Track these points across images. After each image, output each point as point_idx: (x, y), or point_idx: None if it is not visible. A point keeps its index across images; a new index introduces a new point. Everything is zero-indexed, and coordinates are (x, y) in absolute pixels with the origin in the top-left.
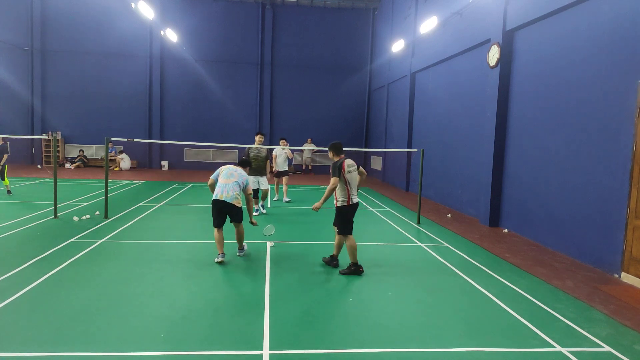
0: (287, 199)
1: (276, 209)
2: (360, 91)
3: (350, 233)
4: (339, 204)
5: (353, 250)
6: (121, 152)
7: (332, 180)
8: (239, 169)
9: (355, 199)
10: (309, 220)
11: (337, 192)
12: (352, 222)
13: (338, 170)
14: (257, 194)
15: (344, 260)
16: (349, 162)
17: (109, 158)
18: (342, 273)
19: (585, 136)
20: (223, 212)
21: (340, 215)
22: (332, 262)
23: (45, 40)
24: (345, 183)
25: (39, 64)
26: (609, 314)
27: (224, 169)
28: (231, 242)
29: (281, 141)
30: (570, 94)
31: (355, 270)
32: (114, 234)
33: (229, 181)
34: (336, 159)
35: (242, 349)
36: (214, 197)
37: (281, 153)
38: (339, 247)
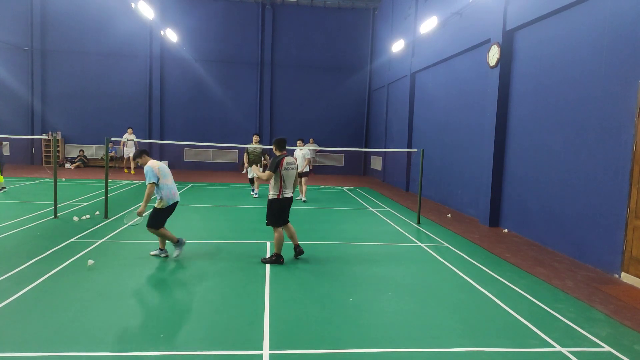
0: (304, 199)
1: None
2: (360, 91)
3: (280, 225)
4: (270, 196)
5: (279, 242)
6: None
7: (267, 173)
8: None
9: (288, 194)
10: (310, 220)
11: (271, 185)
12: (284, 215)
13: (275, 166)
14: (252, 181)
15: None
16: (288, 160)
17: (113, 156)
18: (263, 261)
19: (586, 136)
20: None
21: (270, 207)
22: (277, 260)
23: (45, 40)
24: (281, 179)
25: (39, 64)
26: (609, 314)
27: (161, 168)
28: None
29: (298, 142)
30: (570, 94)
31: (275, 260)
32: (114, 234)
33: (171, 180)
34: (278, 154)
35: (242, 349)
36: (173, 200)
37: (299, 154)
38: (281, 242)
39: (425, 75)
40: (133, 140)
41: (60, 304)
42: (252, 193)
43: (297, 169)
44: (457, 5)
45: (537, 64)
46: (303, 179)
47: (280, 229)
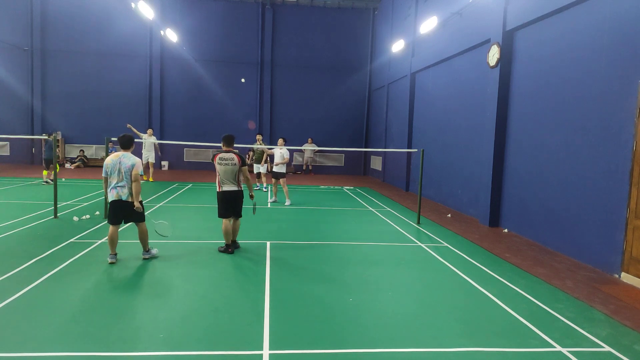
0: (288, 202)
1: (276, 208)
2: (360, 91)
3: (226, 217)
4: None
5: (226, 234)
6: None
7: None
8: (125, 155)
9: (226, 188)
10: (310, 220)
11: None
12: (229, 208)
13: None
14: (259, 176)
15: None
16: (222, 156)
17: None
18: (220, 250)
19: (585, 136)
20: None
21: (217, 199)
22: (226, 250)
23: (45, 40)
24: (217, 173)
25: (39, 64)
26: (609, 314)
27: (109, 164)
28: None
29: (279, 140)
30: (570, 94)
31: (225, 250)
32: None
33: (116, 179)
34: (224, 149)
35: (242, 349)
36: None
37: (278, 153)
38: (227, 233)
39: (425, 75)
40: (153, 142)
41: (61, 304)
42: (257, 188)
43: (236, 165)
44: (457, 5)
45: (537, 64)
46: (281, 180)
47: (225, 221)
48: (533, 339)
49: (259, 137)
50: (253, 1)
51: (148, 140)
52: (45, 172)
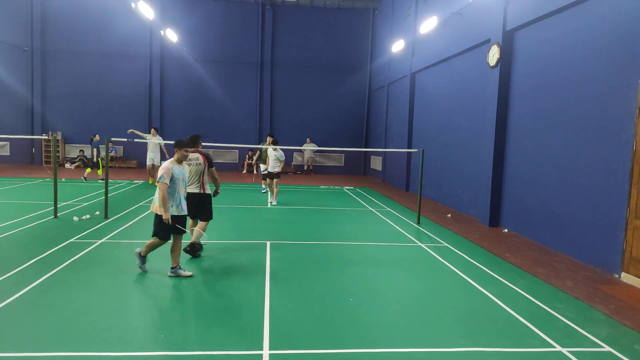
0: (274, 203)
1: (277, 208)
2: (360, 91)
3: (192, 218)
4: None
5: (191, 233)
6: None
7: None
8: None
9: (189, 189)
10: (310, 220)
11: None
12: (191, 209)
13: None
14: (264, 177)
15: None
16: (189, 155)
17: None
18: (185, 250)
19: (586, 136)
20: None
21: None
22: (193, 251)
23: (45, 40)
24: None
25: (39, 64)
26: (609, 314)
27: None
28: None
29: (269, 139)
30: (570, 94)
31: (190, 250)
32: (114, 234)
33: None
34: (190, 150)
35: (242, 349)
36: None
37: (271, 154)
38: (193, 232)
39: (425, 75)
40: (159, 143)
41: (61, 304)
42: (264, 191)
43: (201, 165)
44: (457, 5)
45: (537, 64)
46: (275, 180)
47: (190, 221)
48: (533, 339)
49: (269, 139)
50: (253, 1)
51: (152, 140)
52: (89, 170)
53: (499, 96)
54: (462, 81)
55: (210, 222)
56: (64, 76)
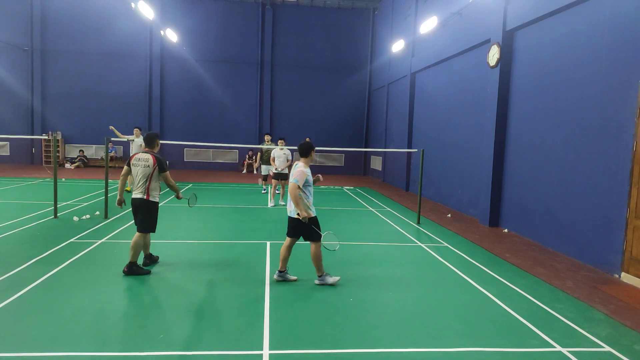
0: (283, 203)
1: (277, 208)
2: (360, 91)
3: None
4: None
5: (134, 245)
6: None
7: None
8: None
9: (133, 194)
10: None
11: None
12: (134, 216)
13: (128, 161)
14: (266, 178)
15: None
16: (139, 156)
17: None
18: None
19: (586, 136)
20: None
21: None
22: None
23: (45, 40)
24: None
25: (39, 64)
26: (609, 314)
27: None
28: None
29: (279, 141)
30: (570, 94)
31: (139, 268)
32: (113, 234)
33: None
34: (144, 149)
35: (242, 349)
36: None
37: (280, 154)
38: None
39: (425, 75)
40: (142, 143)
41: (60, 304)
42: (264, 191)
43: (149, 167)
44: (457, 5)
45: (537, 64)
46: (282, 181)
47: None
48: (533, 339)
49: (267, 137)
50: (253, 1)
51: (136, 141)
52: None
53: (499, 96)
54: (462, 81)
55: (211, 222)
56: (64, 76)
